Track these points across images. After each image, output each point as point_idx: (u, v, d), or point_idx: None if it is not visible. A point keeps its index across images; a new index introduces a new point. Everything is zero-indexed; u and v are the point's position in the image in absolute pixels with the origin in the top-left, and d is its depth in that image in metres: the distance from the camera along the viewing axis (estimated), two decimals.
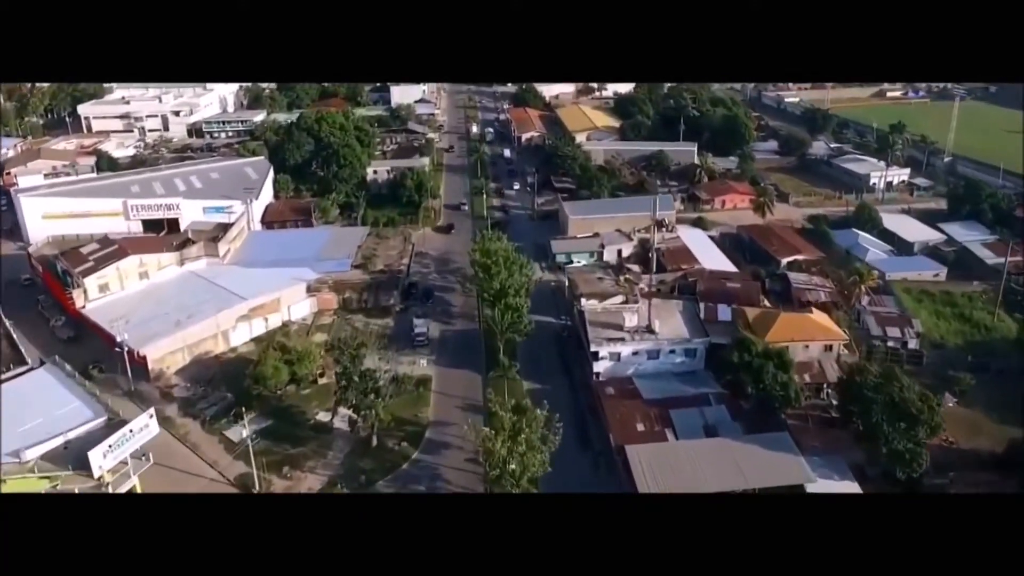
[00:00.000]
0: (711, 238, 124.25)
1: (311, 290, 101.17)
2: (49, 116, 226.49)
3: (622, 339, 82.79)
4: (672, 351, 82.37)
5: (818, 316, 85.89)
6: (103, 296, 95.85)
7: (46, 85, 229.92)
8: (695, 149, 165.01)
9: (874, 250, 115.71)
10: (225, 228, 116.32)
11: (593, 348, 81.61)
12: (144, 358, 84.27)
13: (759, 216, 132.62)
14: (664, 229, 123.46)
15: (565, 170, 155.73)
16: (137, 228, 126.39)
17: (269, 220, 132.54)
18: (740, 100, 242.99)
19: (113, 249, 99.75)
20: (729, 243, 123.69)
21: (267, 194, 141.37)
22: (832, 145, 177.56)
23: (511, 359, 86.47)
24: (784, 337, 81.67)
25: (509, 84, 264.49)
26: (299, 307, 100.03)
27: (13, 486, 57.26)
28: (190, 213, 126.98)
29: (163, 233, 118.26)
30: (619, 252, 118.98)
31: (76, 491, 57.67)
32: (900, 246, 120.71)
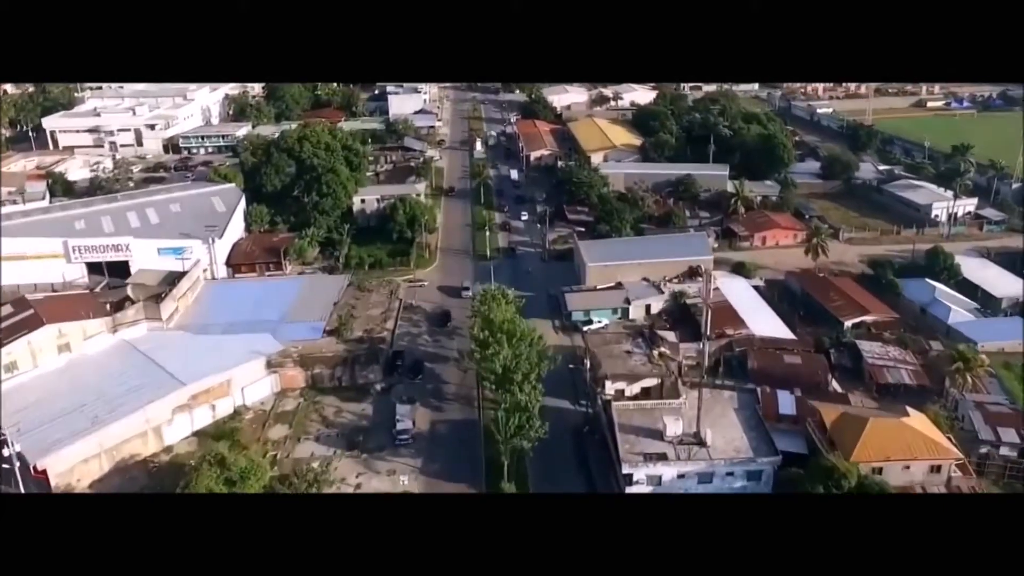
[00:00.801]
0: (755, 288, 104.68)
1: (272, 365, 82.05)
2: (19, 128, 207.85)
3: (663, 454, 63.34)
4: (730, 472, 62.86)
5: (915, 420, 66.22)
6: (11, 377, 76.86)
7: (16, 94, 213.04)
8: (727, 173, 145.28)
9: (957, 308, 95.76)
10: (177, 278, 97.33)
11: (626, 469, 62.20)
12: (44, 472, 65.34)
13: (810, 259, 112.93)
14: (700, 279, 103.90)
15: (581, 198, 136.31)
16: (79, 273, 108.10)
17: (236, 262, 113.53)
18: (769, 111, 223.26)
19: (27, 316, 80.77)
20: (777, 295, 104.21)
21: (237, 228, 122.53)
22: (881, 167, 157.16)
23: (518, 478, 66.92)
24: (877, 454, 62.14)
25: (516, 91, 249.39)
26: (257, 388, 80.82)
27: None
28: (142, 255, 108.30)
29: (101, 285, 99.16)
30: (647, 308, 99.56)
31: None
32: (984, 301, 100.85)
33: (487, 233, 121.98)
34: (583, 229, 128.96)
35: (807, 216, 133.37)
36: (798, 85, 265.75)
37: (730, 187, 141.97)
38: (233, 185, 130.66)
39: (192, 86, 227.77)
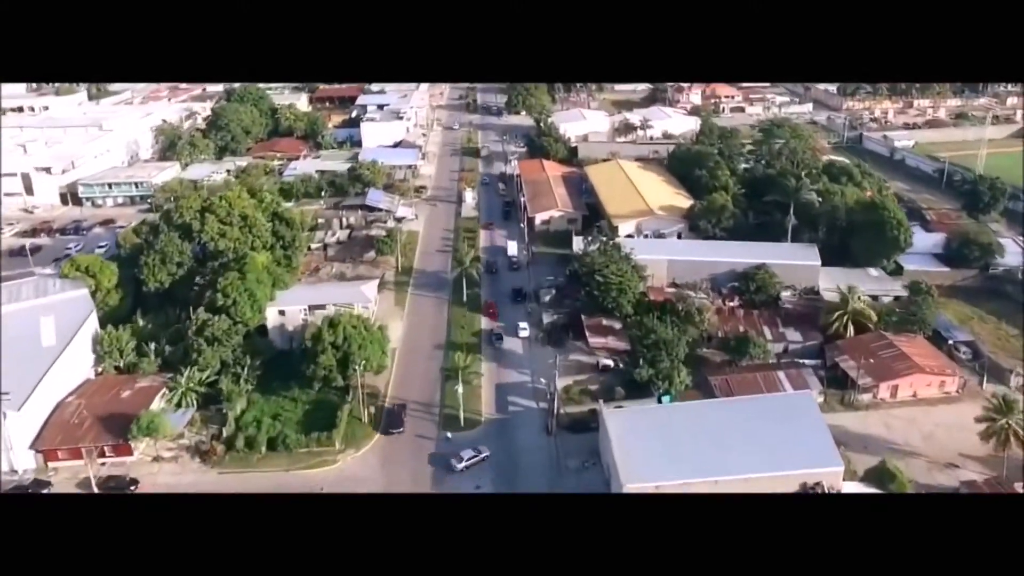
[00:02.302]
0: None
1: None
2: None
3: None
4: None
5: None
6: None
7: None
8: (819, 263, 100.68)
9: None
10: None
11: None
12: None
13: (990, 446, 68.32)
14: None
15: (608, 305, 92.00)
16: None
17: (49, 446, 69.76)
18: (836, 143, 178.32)
19: None
20: None
21: (78, 368, 79.00)
22: None
23: None
24: None
25: (523, 112, 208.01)
26: None
27: None
28: None
29: None
30: None
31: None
32: None
33: (459, 388, 76.63)
34: (611, 361, 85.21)
35: (949, 341, 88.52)
36: (863, 106, 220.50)
37: (822, 281, 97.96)
38: (84, 292, 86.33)
39: (120, 111, 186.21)
